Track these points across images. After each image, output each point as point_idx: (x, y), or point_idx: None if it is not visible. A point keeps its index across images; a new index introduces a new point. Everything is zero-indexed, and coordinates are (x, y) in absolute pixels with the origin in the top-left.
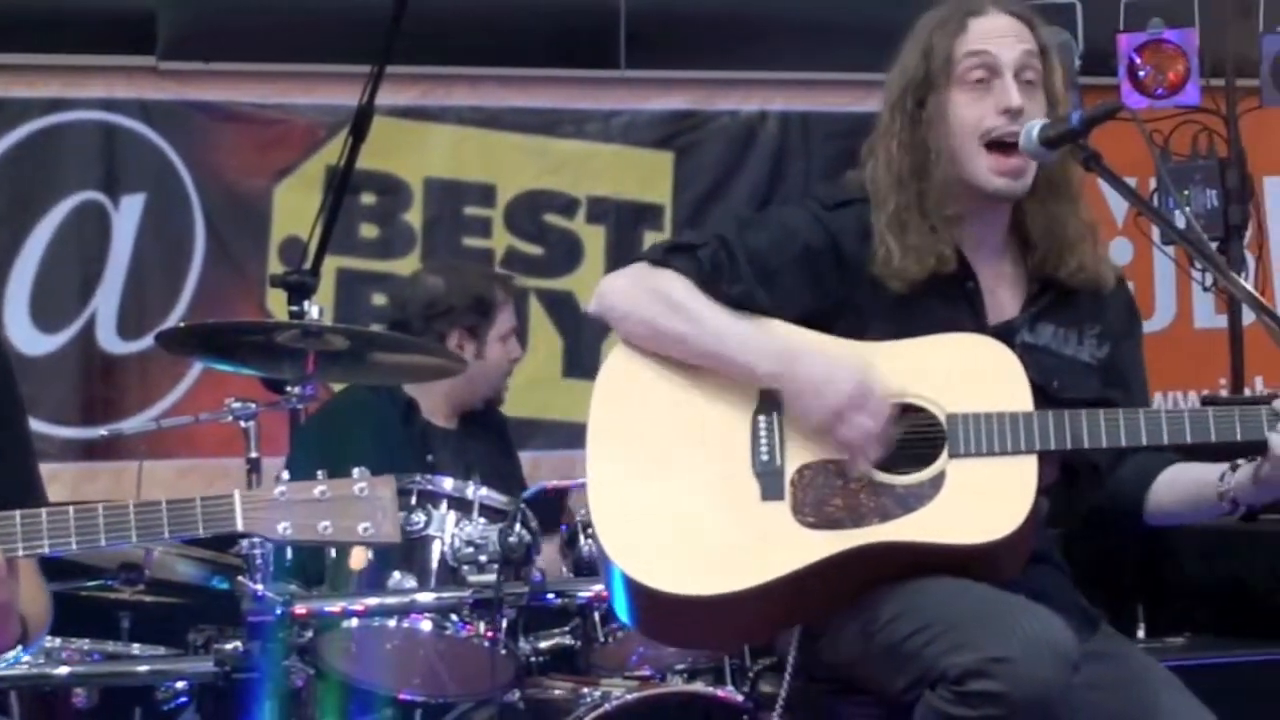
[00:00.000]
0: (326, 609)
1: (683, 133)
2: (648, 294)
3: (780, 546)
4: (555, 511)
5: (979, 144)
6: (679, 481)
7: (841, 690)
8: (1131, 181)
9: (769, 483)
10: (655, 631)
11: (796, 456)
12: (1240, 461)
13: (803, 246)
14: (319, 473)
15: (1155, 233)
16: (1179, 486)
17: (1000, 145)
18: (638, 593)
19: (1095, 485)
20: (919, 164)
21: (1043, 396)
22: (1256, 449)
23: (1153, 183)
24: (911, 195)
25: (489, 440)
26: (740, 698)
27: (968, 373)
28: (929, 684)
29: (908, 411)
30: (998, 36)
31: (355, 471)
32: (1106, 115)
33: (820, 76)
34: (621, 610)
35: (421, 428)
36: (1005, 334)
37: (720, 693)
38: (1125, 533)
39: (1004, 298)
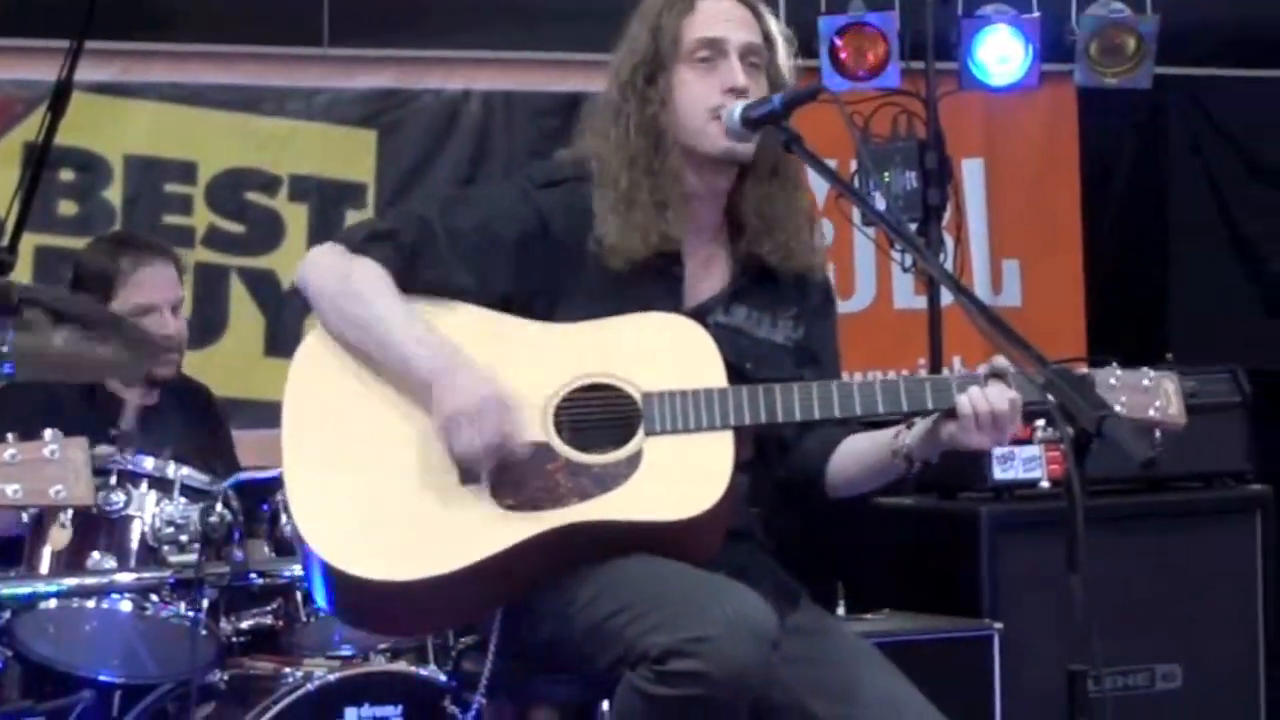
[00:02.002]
0: (23, 590)
1: (386, 111)
2: (339, 279)
3: (481, 530)
4: (260, 501)
5: (707, 120)
6: (377, 465)
7: (544, 669)
8: (832, 163)
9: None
10: (355, 618)
11: None
12: (915, 420)
13: (512, 227)
14: (9, 435)
15: (855, 214)
16: (856, 453)
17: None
18: (337, 579)
19: (780, 460)
20: (650, 143)
21: (737, 376)
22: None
23: (853, 164)
24: (640, 173)
25: (190, 417)
26: (443, 677)
27: (662, 352)
28: (630, 663)
29: (604, 390)
30: (725, 20)
31: (47, 433)
32: (807, 97)
33: (524, 56)
34: (320, 596)
35: (106, 401)
36: (700, 315)
37: (423, 672)
38: (810, 506)
39: (708, 279)
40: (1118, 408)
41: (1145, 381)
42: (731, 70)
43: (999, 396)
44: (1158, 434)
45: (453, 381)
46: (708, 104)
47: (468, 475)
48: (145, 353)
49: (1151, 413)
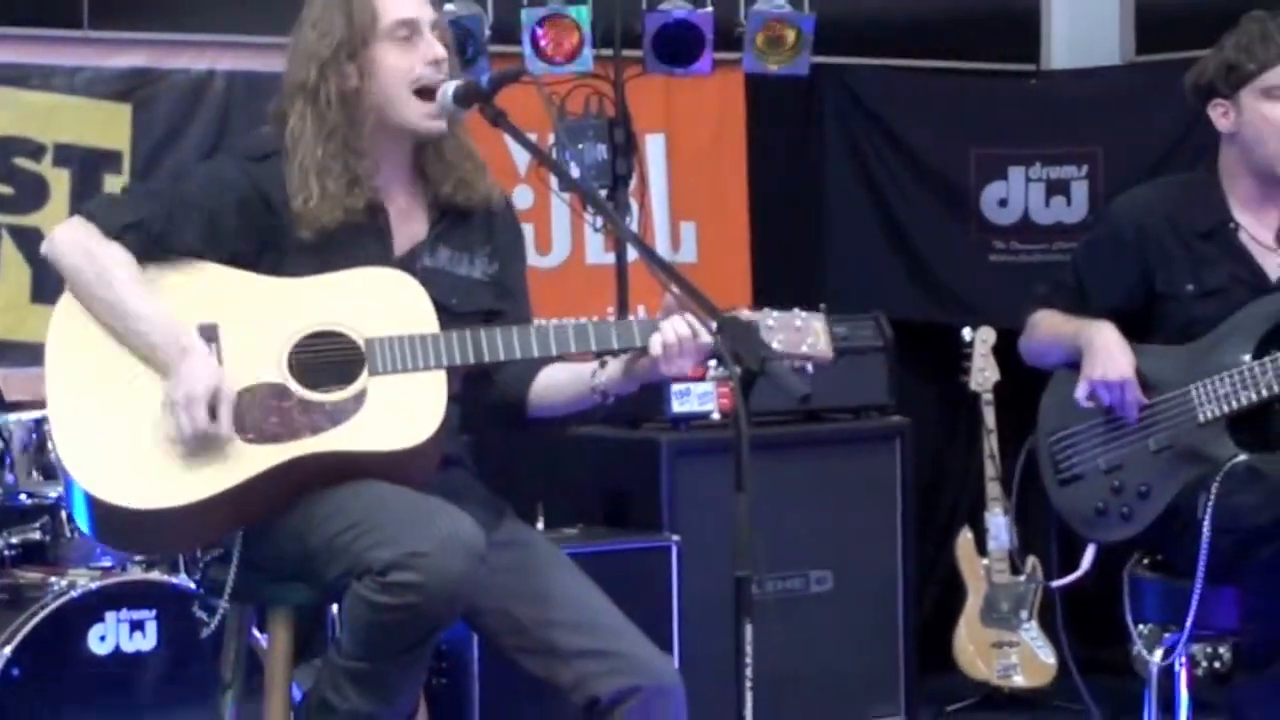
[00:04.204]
0: None
1: (140, 87)
2: (89, 260)
3: (225, 461)
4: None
5: (409, 91)
6: (131, 406)
7: (282, 578)
8: (533, 137)
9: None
10: (113, 540)
11: (236, 380)
12: (608, 359)
13: (232, 196)
14: None
15: (553, 181)
16: (556, 385)
17: (428, 92)
18: (97, 507)
19: (485, 388)
20: (347, 115)
21: (444, 313)
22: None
23: (551, 138)
24: (338, 145)
25: None
26: (192, 585)
27: (380, 301)
28: (357, 575)
29: (332, 336)
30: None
31: None
32: (512, 78)
33: (263, 40)
34: (82, 522)
35: None
36: (409, 261)
37: (174, 580)
38: (513, 428)
39: (410, 228)
40: (775, 345)
41: (798, 322)
42: (431, 44)
43: (682, 325)
44: (810, 367)
45: (184, 369)
46: (410, 77)
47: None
48: None
49: (804, 348)
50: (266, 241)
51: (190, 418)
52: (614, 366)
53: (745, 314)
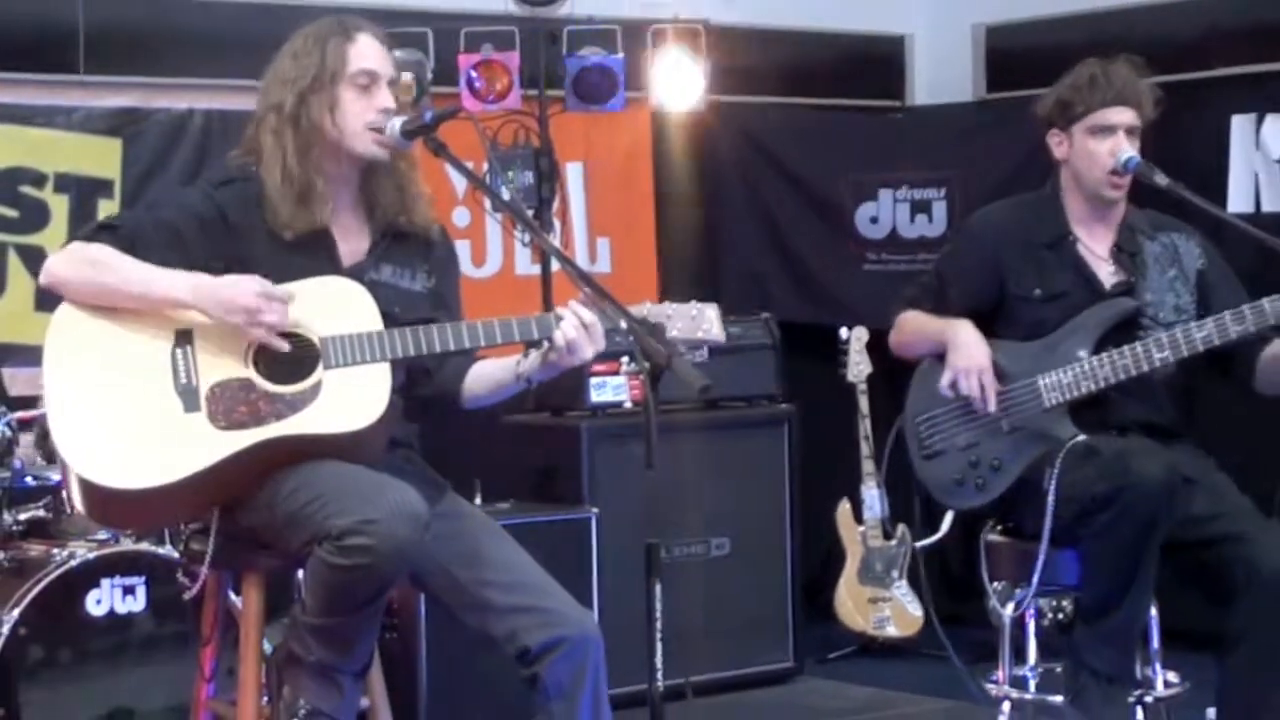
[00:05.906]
0: None
1: (129, 125)
2: (83, 262)
3: (201, 446)
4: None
5: (363, 129)
6: (117, 402)
7: (254, 547)
8: (469, 164)
9: (188, 399)
10: (103, 517)
11: (209, 377)
12: (530, 350)
13: (198, 218)
14: None
15: (487, 203)
16: (486, 375)
17: (379, 130)
18: (90, 488)
19: (426, 383)
20: (310, 141)
21: (388, 320)
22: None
23: (485, 166)
24: (303, 167)
25: None
26: (176, 554)
27: (332, 305)
28: (318, 541)
29: (291, 336)
30: (376, 54)
31: None
32: (450, 115)
33: (235, 83)
34: (78, 502)
35: None
36: (356, 274)
37: (160, 551)
38: (451, 416)
39: (355, 245)
40: (675, 332)
41: (693, 311)
42: (385, 95)
43: (584, 310)
44: (706, 349)
45: (225, 295)
46: (365, 119)
47: (190, 405)
48: None
49: (700, 334)
50: (229, 256)
51: (270, 313)
52: (535, 356)
53: (649, 306)
